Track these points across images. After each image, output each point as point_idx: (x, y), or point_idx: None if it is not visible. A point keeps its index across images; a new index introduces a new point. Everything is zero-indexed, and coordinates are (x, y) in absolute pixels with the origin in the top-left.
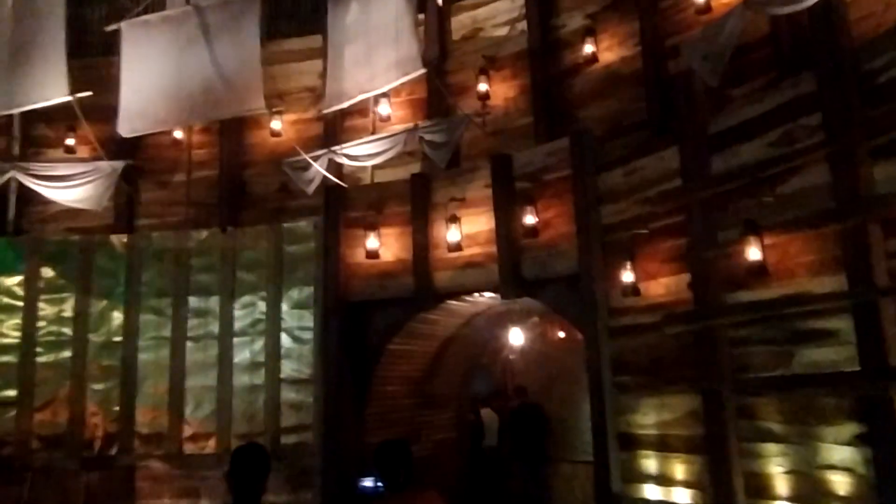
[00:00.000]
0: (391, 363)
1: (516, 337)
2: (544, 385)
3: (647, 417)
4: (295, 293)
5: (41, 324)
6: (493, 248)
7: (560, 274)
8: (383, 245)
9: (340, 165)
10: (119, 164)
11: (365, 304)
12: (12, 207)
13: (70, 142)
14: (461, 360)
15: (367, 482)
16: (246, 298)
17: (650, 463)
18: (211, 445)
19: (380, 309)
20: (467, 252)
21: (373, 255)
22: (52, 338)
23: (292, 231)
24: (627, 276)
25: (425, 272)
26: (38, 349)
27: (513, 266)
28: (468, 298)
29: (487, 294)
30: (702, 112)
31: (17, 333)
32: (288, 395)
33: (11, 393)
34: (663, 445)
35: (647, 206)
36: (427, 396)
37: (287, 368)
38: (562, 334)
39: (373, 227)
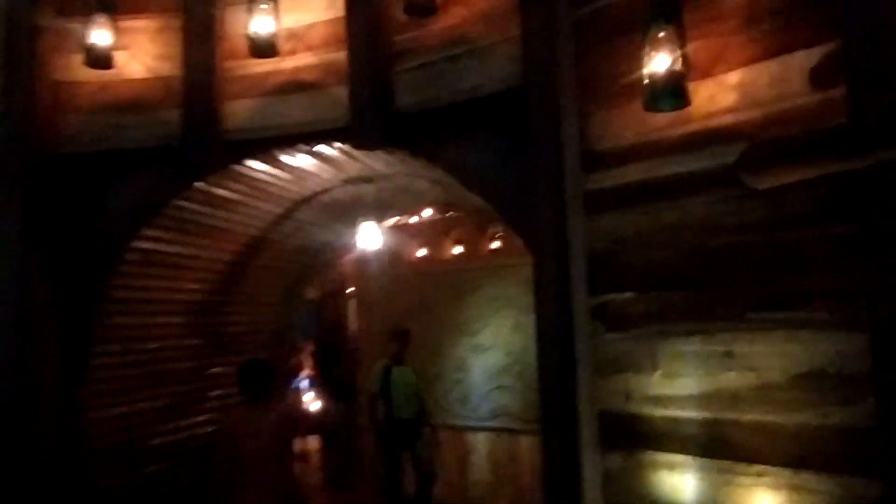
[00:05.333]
0: (144, 275)
1: (370, 239)
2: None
3: (679, 382)
4: None
5: None
6: (341, 54)
7: (477, 93)
8: (126, 48)
9: None
10: None
11: (88, 160)
12: None
13: None
14: (276, 280)
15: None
16: None
17: (686, 481)
18: None
19: (119, 172)
20: (290, 62)
21: (103, 63)
22: None
23: None
24: (660, 62)
25: (206, 100)
26: None
27: (377, 85)
28: (288, 158)
29: (322, 148)
30: None
31: None
32: None
33: None
34: (725, 446)
35: None
36: (218, 337)
37: None
38: (424, 251)
39: (105, 9)
